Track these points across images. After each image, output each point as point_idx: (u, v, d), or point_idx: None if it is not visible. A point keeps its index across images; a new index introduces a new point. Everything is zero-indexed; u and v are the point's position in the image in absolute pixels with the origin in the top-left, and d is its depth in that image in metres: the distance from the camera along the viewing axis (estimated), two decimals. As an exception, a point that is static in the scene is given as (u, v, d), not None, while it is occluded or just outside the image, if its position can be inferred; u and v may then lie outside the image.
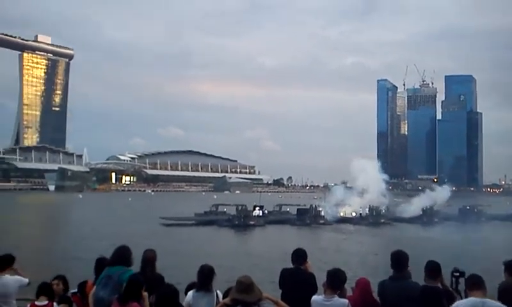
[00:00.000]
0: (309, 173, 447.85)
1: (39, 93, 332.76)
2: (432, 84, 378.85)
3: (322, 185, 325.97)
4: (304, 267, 7.21)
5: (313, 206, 71.74)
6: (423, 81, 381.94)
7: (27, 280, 7.42)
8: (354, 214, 71.21)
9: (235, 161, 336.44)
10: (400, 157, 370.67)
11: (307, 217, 66.17)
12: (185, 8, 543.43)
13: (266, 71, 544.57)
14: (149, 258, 7.18)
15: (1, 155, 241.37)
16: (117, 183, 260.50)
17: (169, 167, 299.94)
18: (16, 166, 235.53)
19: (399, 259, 6.62)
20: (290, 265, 7.30)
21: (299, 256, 7.27)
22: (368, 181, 78.48)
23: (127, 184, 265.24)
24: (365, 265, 28.80)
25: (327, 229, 59.68)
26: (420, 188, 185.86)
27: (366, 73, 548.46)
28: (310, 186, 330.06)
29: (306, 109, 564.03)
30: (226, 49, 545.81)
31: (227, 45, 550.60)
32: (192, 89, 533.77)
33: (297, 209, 71.26)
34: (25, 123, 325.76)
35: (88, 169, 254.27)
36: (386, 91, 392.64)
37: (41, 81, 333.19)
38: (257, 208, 68.39)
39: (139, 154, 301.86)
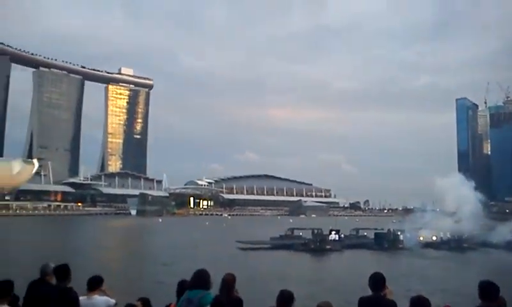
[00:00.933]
0: (386, 196, 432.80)
1: (122, 122, 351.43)
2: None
3: (400, 208, 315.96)
4: (383, 293, 6.68)
5: (392, 230, 69.57)
6: (507, 98, 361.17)
7: (114, 301, 7.70)
8: (435, 238, 67.92)
9: (311, 185, 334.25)
10: (484, 178, 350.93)
11: (385, 242, 64.07)
12: (259, 36, 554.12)
13: (341, 94, 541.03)
14: (228, 281, 7.20)
15: (89, 181, 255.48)
16: (195, 207, 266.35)
17: (245, 192, 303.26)
18: (101, 192, 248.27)
19: (489, 290, 6.07)
20: (369, 292, 6.79)
21: (377, 281, 6.70)
22: (460, 201, 74.24)
23: (205, 208, 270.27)
24: (450, 293, 27.32)
25: (407, 254, 57.27)
26: (507, 211, 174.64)
27: (443, 93, 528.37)
28: (388, 209, 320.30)
29: (382, 131, 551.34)
30: (301, 74, 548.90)
31: (301, 70, 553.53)
32: (267, 115, 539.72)
33: (375, 233, 69.37)
34: (109, 150, 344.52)
35: (167, 194, 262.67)
36: (466, 110, 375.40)
37: (124, 111, 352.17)
38: (333, 232, 67.21)
39: (216, 179, 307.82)
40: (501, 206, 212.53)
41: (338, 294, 25.33)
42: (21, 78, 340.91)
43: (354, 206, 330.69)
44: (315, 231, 65.31)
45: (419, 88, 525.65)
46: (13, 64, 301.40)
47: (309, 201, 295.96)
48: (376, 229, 72.90)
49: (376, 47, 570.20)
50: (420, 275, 38.71)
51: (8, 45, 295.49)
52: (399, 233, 68.60)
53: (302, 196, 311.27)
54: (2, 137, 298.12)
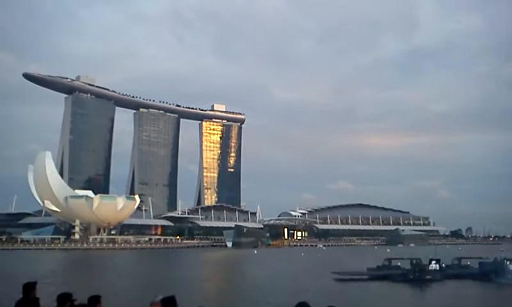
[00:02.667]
0: (491, 223, 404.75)
1: (216, 157, 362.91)
2: None
3: (509, 236, 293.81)
4: None
5: (499, 259, 64.45)
6: None
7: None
8: None
9: (408, 213, 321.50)
10: None
11: (491, 272, 59.47)
12: (349, 64, 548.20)
13: (437, 117, 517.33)
14: None
15: (186, 215, 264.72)
16: (289, 238, 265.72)
17: (339, 221, 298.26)
18: (199, 225, 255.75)
19: None
20: None
21: None
22: None
23: (299, 239, 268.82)
24: None
25: None
26: None
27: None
28: (494, 237, 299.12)
29: (482, 154, 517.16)
30: (393, 100, 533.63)
31: (394, 95, 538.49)
32: (360, 143, 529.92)
33: (480, 262, 64.93)
34: (205, 184, 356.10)
35: (262, 226, 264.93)
36: None
37: (218, 145, 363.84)
38: (433, 262, 63.85)
39: (309, 209, 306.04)
40: None
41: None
42: (123, 120, 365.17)
43: (456, 234, 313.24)
44: (414, 260, 62.56)
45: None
46: (116, 108, 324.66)
47: (407, 229, 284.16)
48: (480, 258, 68.20)
49: (473, 65, 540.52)
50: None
51: (112, 91, 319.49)
52: (508, 262, 63.39)
53: (399, 224, 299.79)
54: (108, 175, 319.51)
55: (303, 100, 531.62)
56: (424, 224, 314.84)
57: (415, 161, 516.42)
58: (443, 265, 65.14)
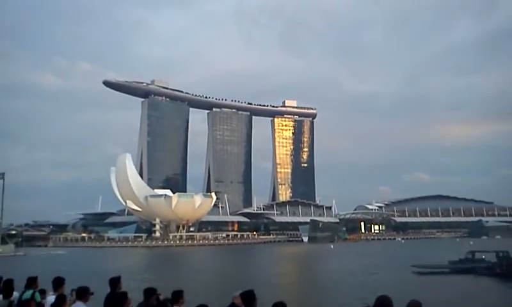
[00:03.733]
0: None
1: (289, 152, 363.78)
2: None
3: None
4: None
5: None
6: None
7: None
8: None
9: (492, 203, 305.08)
10: None
11: None
12: (422, 52, 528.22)
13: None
14: None
15: (262, 211, 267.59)
16: (366, 232, 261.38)
17: (418, 214, 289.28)
18: (274, 220, 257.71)
19: None
20: None
21: None
22: None
23: (376, 233, 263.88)
24: None
25: None
26: None
27: None
28: None
29: None
30: (471, 86, 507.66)
31: (471, 81, 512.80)
32: (437, 132, 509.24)
33: None
34: (279, 180, 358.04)
35: (338, 220, 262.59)
36: None
37: (290, 141, 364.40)
38: (523, 255, 60.29)
39: (386, 202, 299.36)
40: None
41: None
42: (197, 120, 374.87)
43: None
44: (501, 253, 59.24)
45: None
46: (190, 109, 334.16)
47: (491, 221, 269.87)
48: None
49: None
50: None
51: (186, 92, 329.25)
52: None
53: (482, 215, 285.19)
54: (185, 174, 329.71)
55: (374, 90, 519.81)
56: (511, 215, 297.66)
57: (499, 149, 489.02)
58: (534, 258, 61.38)
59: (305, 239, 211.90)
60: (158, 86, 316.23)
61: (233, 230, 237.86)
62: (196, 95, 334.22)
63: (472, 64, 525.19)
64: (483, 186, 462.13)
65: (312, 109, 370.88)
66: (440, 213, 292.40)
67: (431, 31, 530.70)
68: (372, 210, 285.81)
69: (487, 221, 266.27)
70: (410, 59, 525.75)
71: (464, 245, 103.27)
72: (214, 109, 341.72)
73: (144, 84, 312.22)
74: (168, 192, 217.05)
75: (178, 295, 9.63)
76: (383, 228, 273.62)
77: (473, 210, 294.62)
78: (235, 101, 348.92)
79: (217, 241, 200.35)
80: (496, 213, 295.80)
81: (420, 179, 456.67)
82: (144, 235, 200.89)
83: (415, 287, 41.40)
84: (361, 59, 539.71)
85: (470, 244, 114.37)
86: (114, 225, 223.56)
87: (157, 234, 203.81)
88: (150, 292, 9.85)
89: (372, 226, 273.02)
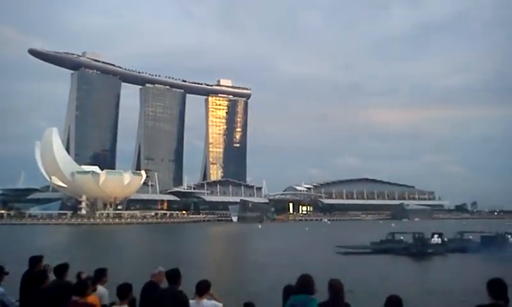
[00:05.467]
0: (497, 198, 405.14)
1: (222, 132, 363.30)
2: None
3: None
4: (504, 303, 5.94)
5: (500, 233, 65.50)
6: None
7: (221, 305, 8.08)
8: None
9: (413, 187, 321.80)
10: None
11: (492, 245, 59.89)
12: (357, 39, 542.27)
13: (449, 92, 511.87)
14: (337, 287, 7.11)
15: (192, 190, 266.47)
16: (294, 213, 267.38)
17: (344, 196, 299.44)
18: (204, 200, 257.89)
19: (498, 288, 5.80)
20: (478, 299, 6.25)
21: (500, 288, 5.96)
22: None
23: (304, 214, 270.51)
24: None
25: None
26: None
27: None
28: (499, 211, 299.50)
29: (496, 128, 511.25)
30: (403, 74, 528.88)
31: (403, 70, 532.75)
32: (368, 118, 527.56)
33: (481, 236, 65.33)
34: (210, 159, 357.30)
35: (267, 201, 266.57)
36: None
37: (224, 121, 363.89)
38: (436, 236, 64.21)
39: (315, 184, 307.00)
40: None
41: (444, 299, 24.24)
42: (129, 95, 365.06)
43: (461, 208, 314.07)
44: (417, 234, 63.03)
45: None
46: (122, 83, 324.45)
47: (411, 204, 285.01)
48: (482, 232, 68.66)
49: (486, 36, 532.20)
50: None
51: (118, 66, 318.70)
52: (509, 236, 64.04)
53: (404, 199, 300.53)
54: (115, 150, 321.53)
55: (310, 74, 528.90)
56: (429, 199, 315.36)
57: (424, 136, 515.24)
58: (446, 238, 65.54)
59: (234, 219, 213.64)
60: (89, 59, 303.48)
61: (162, 209, 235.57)
62: (128, 70, 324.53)
63: (403, 53, 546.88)
64: (406, 171, 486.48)
65: (247, 89, 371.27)
66: (365, 196, 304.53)
67: (367, 18, 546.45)
68: (301, 191, 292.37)
69: (408, 204, 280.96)
70: (346, 45, 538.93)
71: (386, 227, 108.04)
72: (147, 85, 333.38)
73: (75, 56, 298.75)
74: (96, 168, 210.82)
75: (101, 274, 9.35)
76: (311, 209, 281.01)
77: (396, 193, 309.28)
78: (170, 78, 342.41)
79: (145, 220, 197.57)
80: (416, 197, 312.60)
81: (350, 163, 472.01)
82: (69, 213, 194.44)
83: (337, 266, 42.87)
84: (299, 42, 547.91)
85: (391, 225, 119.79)
86: (38, 202, 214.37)
87: (83, 211, 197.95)
88: (34, 260, 9.65)
89: (300, 207, 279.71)
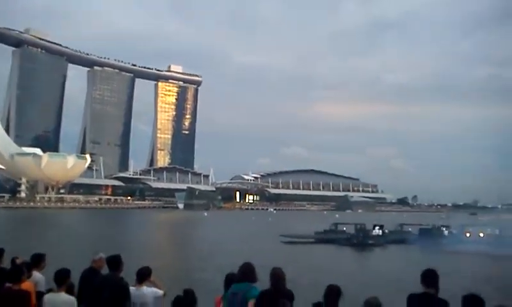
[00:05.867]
0: (436, 192, 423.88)
1: (170, 118, 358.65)
2: None
3: (450, 204, 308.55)
4: (435, 291, 6.39)
5: (436, 226, 68.99)
6: None
7: (162, 292, 7.99)
8: (482, 235, 65.56)
9: (358, 180, 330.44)
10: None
11: (429, 237, 62.84)
12: (310, 31, 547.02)
13: (395, 89, 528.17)
14: (278, 275, 7.18)
15: (138, 176, 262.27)
16: (241, 201, 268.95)
17: (291, 186, 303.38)
18: (150, 186, 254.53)
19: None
20: (413, 287, 6.58)
21: (431, 278, 6.39)
22: None
23: (251, 203, 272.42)
24: (500, 290, 26.44)
25: (452, 250, 55.11)
26: None
27: (504, 85, 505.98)
28: (437, 205, 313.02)
29: (437, 126, 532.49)
30: (353, 69, 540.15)
31: (354, 64, 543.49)
32: (318, 111, 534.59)
33: (419, 229, 68.60)
34: (158, 146, 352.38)
35: (214, 189, 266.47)
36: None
37: (173, 107, 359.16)
38: (377, 228, 66.37)
39: (262, 173, 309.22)
40: None
41: (382, 288, 25.07)
42: (76, 77, 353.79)
43: (402, 201, 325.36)
44: (358, 226, 64.90)
45: (479, 80, 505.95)
46: (69, 64, 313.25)
47: (356, 196, 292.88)
48: (420, 224, 71.80)
49: (433, 38, 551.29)
50: (470, 272, 37.51)
51: (65, 46, 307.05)
52: (444, 229, 67.66)
53: (348, 191, 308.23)
54: (58, 133, 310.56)
55: (262, 64, 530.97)
56: (373, 192, 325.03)
57: (371, 130, 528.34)
58: (386, 230, 67.82)
59: (181, 206, 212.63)
60: (33, 36, 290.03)
61: (106, 194, 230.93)
62: (76, 51, 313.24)
63: (356, 49, 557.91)
64: (352, 163, 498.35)
65: (198, 76, 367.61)
66: (312, 187, 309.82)
67: (320, 11, 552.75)
68: (248, 180, 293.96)
69: (352, 196, 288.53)
70: (300, 37, 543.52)
71: (330, 217, 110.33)
72: (95, 67, 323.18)
73: (17, 32, 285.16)
74: (38, 150, 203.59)
75: (38, 259, 9.01)
76: (257, 198, 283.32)
77: (341, 185, 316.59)
78: (119, 61, 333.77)
79: (88, 204, 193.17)
80: (360, 189, 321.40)
81: (298, 154, 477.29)
82: (7, 195, 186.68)
83: (281, 255, 43.43)
84: (252, 32, 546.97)
85: (335, 216, 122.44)
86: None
87: (22, 194, 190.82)
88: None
89: (247, 196, 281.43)
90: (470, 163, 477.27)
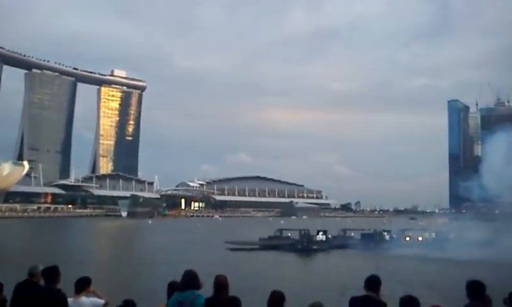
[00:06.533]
0: (378, 198, 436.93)
1: (114, 124, 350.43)
2: (509, 102, 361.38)
3: (391, 210, 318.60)
4: (374, 293, 6.79)
5: (378, 231, 70.96)
6: (498, 100, 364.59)
7: (103, 301, 7.73)
8: (421, 239, 68.17)
9: (302, 186, 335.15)
10: (475, 180, 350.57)
11: (371, 242, 64.70)
12: (256, 38, 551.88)
13: (338, 96, 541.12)
14: (222, 282, 7.13)
15: (80, 183, 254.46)
16: (186, 209, 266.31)
17: (236, 193, 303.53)
18: (92, 194, 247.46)
19: (476, 288, 6.37)
20: (355, 291, 7.00)
21: (373, 283, 6.81)
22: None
23: (196, 210, 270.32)
24: (436, 291, 27.48)
25: (392, 254, 56.90)
26: (496, 211, 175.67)
27: (438, 95, 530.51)
28: (379, 210, 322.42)
29: (378, 133, 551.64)
30: (298, 76, 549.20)
31: (298, 72, 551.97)
32: (262, 117, 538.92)
33: (361, 234, 70.41)
34: (101, 152, 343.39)
35: (159, 196, 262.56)
36: (457, 112, 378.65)
37: (116, 112, 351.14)
38: (321, 233, 67.67)
39: (207, 180, 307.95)
40: (490, 207, 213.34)
41: (325, 292, 25.50)
42: (13, 79, 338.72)
43: (346, 207, 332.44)
44: (302, 232, 66.00)
45: (415, 90, 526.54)
46: (4, 66, 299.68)
47: (300, 202, 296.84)
48: (363, 230, 73.78)
49: (374, 48, 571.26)
50: (406, 275, 38.73)
51: (1, 47, 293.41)
52: (385, 233, 69.85)
53: (294, 197, 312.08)
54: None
55: (207, 70, 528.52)
56: (317, 198, 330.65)
57: (315, 137, 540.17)
58: (330, 236, 69.20)
59: (124, 214, 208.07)
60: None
61: (46, 202, 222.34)
62: (13, 52, 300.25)
63: (300, 56, 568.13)
64: (296, 170, 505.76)
65: (142, 81, 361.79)
66: (257, 193, 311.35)
67: (267, 18, 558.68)
68: (193, 187, 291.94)
69: (297, 202, 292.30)
70: (245, 43, 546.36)
71: (275, 224, 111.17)
72: (33, 70, 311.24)
73: None
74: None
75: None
76: (203, 205, 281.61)
77: (286, 191, 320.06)
78: (60, 64, 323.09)
79: (26, 213, 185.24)
80: (305, 195, 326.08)
81: (243, 160, 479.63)
82: None
83: (226, 262, 43.30)
84: (197, 36, 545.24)
85: (280, 222, 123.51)
86: None
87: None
88: None
89: (193, 203, 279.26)
90: (410, 169, 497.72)
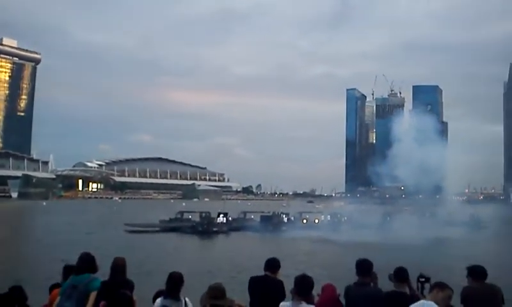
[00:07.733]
0: (279, 181, 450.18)
1: (3, 98, 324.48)
2: (400, 93, 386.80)
3: (291, 193, 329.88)
4: (274, 274, 7.28)
5: (277, 213, 73.07)
6: (391, 91, 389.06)
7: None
8: (317, 221, 71.45)
9: (205, 168, 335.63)
10: (368, 166, 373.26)
11: (269, 224, 66.63)
12: (161, 16, 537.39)
13: (240, 80, 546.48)
14: (120, 265, 6.99)
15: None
16: (84, 190, 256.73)
17: (137, 175, 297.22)
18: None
19: (364, 266, 6.95)
20: (254, 272, 7.39)
21: (272, 265, 7.39)
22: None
23: (94, 191, 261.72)
24: (329, 270, 29.00)
25: (290, 236, 59.18)
26: (387, 196, 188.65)
27: (337, 83, 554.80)
28: (279, 193, 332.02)
29: (279, 117, 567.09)
30: (201, 57, 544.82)
31: (202, 53, 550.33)
32: (164, 97, 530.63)
33: (261, 216, 71.90)
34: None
35: (54, 176, 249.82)
36: (355, 101, 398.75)
37: (6, 85, 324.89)
38: (221, 215, 68.47)
39: (107, 161, 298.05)
40: (382, 192, 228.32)
41: (225, 274, 25.92)
42: None
43: (247, 190, 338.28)
44: (203, 214, 66.60)
45: (316, 77, 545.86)
46: None
47: (203, 184, 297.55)
48: (262, 212, 75.43)
49: (277, 33, 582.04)
50: (305, 255, 40.45)
51: None
52: (283, 216, 72.20)
53: (196, 179, 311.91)
54: None
55: (107, 44, 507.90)
56: (219, 180, 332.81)
57: (218, 119, 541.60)
58: (230, 218, 70.22)
59: (14, 195, 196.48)
60: None
61: None
62: None
63: (204, 37, 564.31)
64: (199, 152, 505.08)
65: (36, 53, 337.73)
66: (159, 175, 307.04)
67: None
68: (91, 167, 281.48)
69: (199, 185, 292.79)
70: (148, 20, 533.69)
71: (177, 206, 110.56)
72: None
73: None
74: None
75: None
76: (102, 186, 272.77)
77: (188, 173, 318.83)
78: None
79: None
80: (207, 177, 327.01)
81: (144, 141, 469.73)
82: None
83: (125, 245, 42.46)
84: (100, 10, 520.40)
85: (182, 205, 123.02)
86: None
87: None
88: None
89: (91, 184, 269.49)
90: (310, 154, 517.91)
